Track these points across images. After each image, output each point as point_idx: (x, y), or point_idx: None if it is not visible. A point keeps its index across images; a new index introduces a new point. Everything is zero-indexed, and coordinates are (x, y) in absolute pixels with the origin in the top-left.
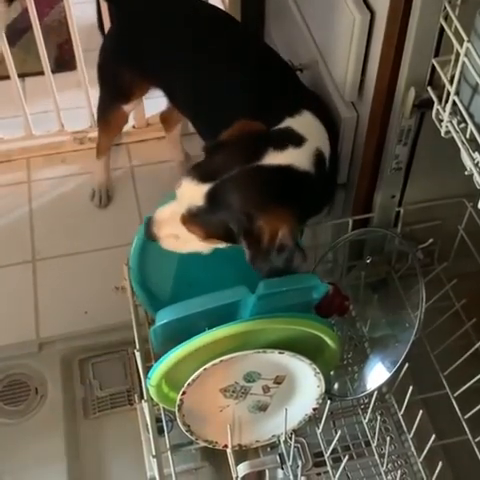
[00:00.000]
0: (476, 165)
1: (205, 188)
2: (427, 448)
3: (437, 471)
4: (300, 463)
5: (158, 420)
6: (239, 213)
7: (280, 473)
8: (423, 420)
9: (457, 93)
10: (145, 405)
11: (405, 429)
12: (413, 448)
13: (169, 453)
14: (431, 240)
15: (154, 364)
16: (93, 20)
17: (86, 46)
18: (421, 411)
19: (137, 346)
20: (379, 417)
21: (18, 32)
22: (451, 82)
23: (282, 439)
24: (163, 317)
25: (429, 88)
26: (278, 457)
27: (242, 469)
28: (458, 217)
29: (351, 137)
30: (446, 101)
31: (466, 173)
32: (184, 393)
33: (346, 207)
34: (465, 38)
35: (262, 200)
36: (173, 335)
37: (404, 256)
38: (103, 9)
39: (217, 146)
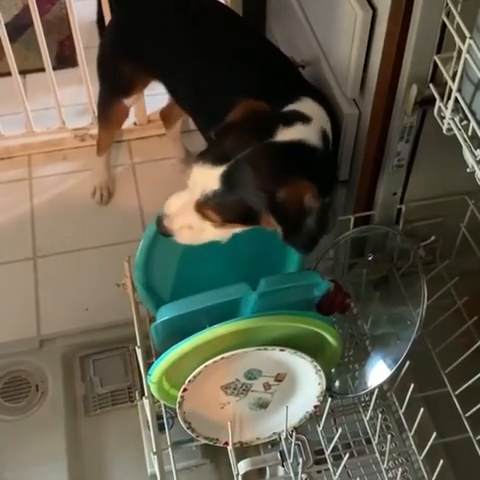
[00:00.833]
0: (478, 162)
1: (219, 170)
2: (428, 446)
3: (438, 469)
4: (301, 461)
5: (159, 417)
6: (260, 190)
7: (281, 470)
8: (424, 418)
9: (459, 90)
10: (146, 402)
11: (406, 427)
12: (414, 446)
13: (170, 450)
14: (433, 237)
15: (155, 361)
16: (94, 17)
17: (87, 43)
18: (422, 409)
19: (138, 343)
20: (380, 415)
21: (19, 29)
22: (453, 79)
23: (283, 436)
24: (164, 314)
25: (431, 85)
26: (279, 454)
27: (243, 466)
28: (460, 214)
29: (353, 134)
30: (448, 98)
31: (468, 170)
32: (185, 390)
33: (348, 204)
34: (467, 35)
35: (280, 174)
36: (174, 332)
37: (406, 253)
38: (104, 6)
39: (224, 129)
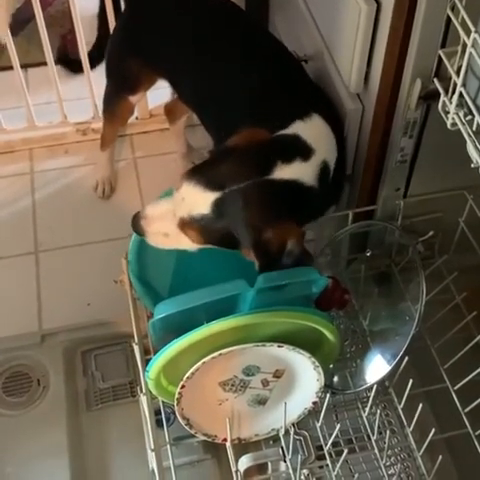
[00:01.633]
0: None
1: (212, 197)
2: (427, 441)
3: (437, 464)
4: (303, 456)
5: (159, 413)
6: (248, 227)
7: (283, 466)
8: (425, 413)
9: (464, 85)
10: (143, 398)
11: (405, 422)
12: (413, 442)
13: (168, 446)
14: (431, 233)
15: (153, 357)
16: (96, 11)
17: (89, 37)
18: (421, 404)
19: (136, 339)
20: (381, 410)
21: (21, 22)
22: (458, 73)
23: (281, 433)
24: (162, 310)
25: (435, 80)
26: (281, 450)
27: (244, 462)
28: (459, 209)
29: (356, 129)
30: (453, 93)
31: (472, 166)
32: (183, 386)
33: (351, 199)
34: (472, 29)
35: (271, 214)
36: (172, 328)
37: (404, 249)
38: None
39: (223, 153)
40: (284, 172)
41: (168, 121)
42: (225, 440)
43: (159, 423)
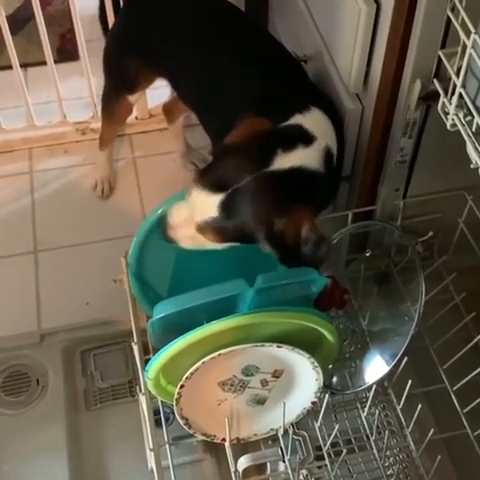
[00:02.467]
0: None
1: (217, 199)
2: (426, 442)
3: (436, 464)
4: (301, 456)
5: (158, 412)
6: (257, 222)
7: (281, 466)
8: (424, 414)
9: (463, 86)
10: (143, 398)
11: (404, 423)
12: (411, 442)
13: (167, 446)
14: (431, 233)
15: (152, 357)
16: (96, 10)
17: (89, 36)
18: (420, 405)
19: (135, 339)
20: (380, 411)
21: (21, 22)
22: (457, 74)
23: (280, 433)
24: (161, 310)
25: (435, 80)
26: (280, 450)
27: (243, 462)
28: (458, 210)
29: (355, 129)
30: (452, 94)
31: (472, 166)
32: (182, 386)
33: (350, 200)
34: (472, 30)
35: (278, 205)
36: (171, 328)
37: (404, 249)
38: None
39: (224, 151)
40: (286, 160)
41: (166, 120)
42: (224, 440)
43: (158, 423)
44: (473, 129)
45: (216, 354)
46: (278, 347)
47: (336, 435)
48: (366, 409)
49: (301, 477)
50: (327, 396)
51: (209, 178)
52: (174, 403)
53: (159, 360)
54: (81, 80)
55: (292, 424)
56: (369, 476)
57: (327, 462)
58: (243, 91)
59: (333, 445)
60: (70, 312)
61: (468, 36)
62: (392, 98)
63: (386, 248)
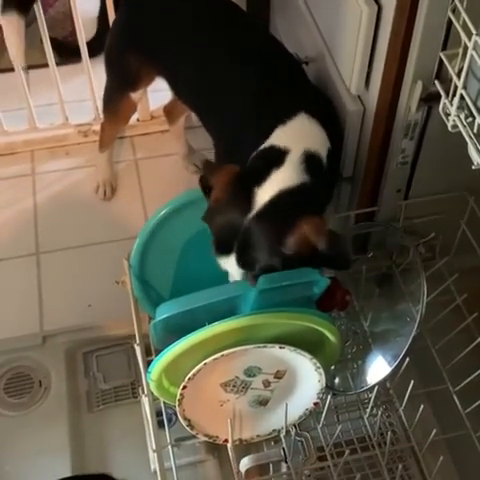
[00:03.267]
0: None
1: (232, 260)
2: (428, 442)
3: (438, 465)
4: (304, 457)
5: (161, 414)
6: (265, 259)
7: (284, 467)
8: (426, 414)
9: (465, 87)
10: (145, 400)
11: (406, 424)
12: (414, 443)
13: (170, 447)
14: (433, 234)
15: (154, 358)
16: (97, 13)
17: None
18: (422, 406)
19: (137, 340)
20: (383, 411)
21: None
22: (459, 76)
23: (282, 434)
24: (164, 312)
25: (436, 82)
26: (282, 451)
27: (246, 463)
28: (460, 211)
29: (357, 131)
30: (453, 95)
31: (473, 167)
32: (185, 387)
33: (352, 201)
34: (473, 31)
35: (277, 235)
36: (173, 330)
37: (406, 250)
38: (108, 1)
39: (212, 214)
40: (265, 193)
41: (168, 122)
42: (226, 441)
43: (161, 424)
44: (474, 130)
45: (218, 355)
46: (280, 348)
47: (338, 436)
48: (368, 410)
49: (303, 478)
50: (329, 397)
51: (215, 246)
52: (176, 404)
53: (161, 361)
54: (83, 82)
55: (294, 425)
56: (371, 477)
57: (329, 463)
58: (241, 90)
59: (335, 446)
60: (72, 314)
61: (469, 37)
62: (393, 99)
63: (388, 249)
